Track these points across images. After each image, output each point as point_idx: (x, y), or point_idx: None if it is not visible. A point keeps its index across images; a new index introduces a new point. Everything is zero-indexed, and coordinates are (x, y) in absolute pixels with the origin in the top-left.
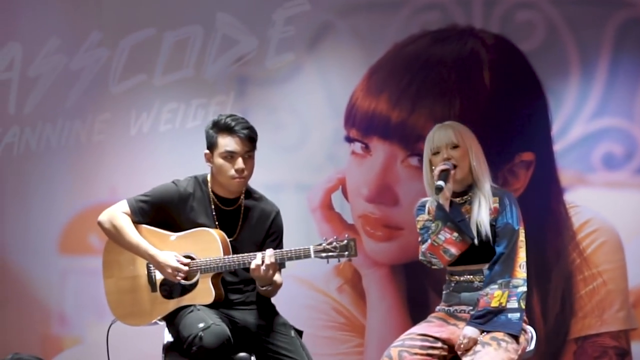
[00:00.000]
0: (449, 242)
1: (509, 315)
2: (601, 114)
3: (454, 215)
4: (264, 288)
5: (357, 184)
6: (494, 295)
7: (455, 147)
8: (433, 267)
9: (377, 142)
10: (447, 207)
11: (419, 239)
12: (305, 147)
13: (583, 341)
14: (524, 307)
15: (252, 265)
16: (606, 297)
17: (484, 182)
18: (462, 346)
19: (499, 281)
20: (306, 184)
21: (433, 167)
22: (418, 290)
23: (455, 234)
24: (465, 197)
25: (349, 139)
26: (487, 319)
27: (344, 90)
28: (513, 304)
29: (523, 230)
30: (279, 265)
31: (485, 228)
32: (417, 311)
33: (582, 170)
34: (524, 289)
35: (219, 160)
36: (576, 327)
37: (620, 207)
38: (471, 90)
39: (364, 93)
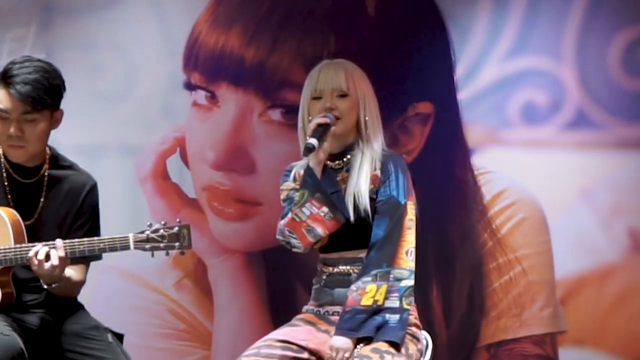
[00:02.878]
0: (315, 218)
1: (387, 316)
2: (520, 51)
3: (327, 184)
4: (49, 286)
5: (201, 145)
6: (367, 290)
7: (344, 95)
8: (293, 249)
9: (227, 90)
10: (318, 173)
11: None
12: (132, 97)
13: (497, 349)
14: (407, 307)
15: (31, 253)
16: (527, 290)
17: (373, 142)
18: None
19: (375, 272)
20: (133, 145)
21: (310, 117)
22: (282, 285)
23: (325, 209)
24: (343, 160)
25: (190, 86)
26: (357, 322)
27: (182, 20)
28: (393, 303)
29: (413, 206)
30: (91, 257)
31: (365, 201)
32: (281, 313)
33: (495, 126)
34: (410, 282)
35: None
36: (488, 331)
37: (544, 173)
38: (351, 21)
39: (210, 25)
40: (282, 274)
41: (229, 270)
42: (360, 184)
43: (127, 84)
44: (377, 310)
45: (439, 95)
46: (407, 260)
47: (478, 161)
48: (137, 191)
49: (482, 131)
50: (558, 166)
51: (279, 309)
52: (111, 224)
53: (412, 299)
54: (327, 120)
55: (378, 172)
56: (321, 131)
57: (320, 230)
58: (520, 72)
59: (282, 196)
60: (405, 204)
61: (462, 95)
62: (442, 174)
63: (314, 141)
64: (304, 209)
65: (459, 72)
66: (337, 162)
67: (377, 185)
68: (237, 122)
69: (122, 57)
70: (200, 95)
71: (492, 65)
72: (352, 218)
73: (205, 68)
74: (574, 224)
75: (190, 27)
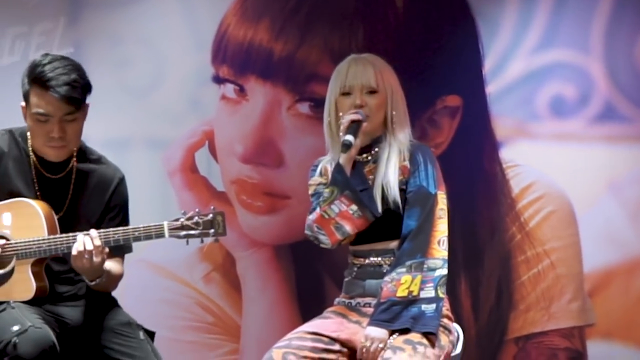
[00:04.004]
0: (343, 215)
1: (423, 307)
2: (548, 44)
3: (356, 181)
4: (93, 282)
5: (229, 138)
6: (402, 282)
7: (373, 92)
8: (321, 244)
9: (256, 83)
10: (348, 170)
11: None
12: (160, 90)
13: (525, 342)
14: (442, 296)
15: (74, 252)
16: (555, 283)
17: (399, 134)
18: (364, 351)
19: (409, 262)
20: (162, 139)
21: (341, 114)
22: (310, 278)
23: (354, 207)
24: (371, 153)
25: (218, 79)
26: (393, 313)
27: (211, 14)
28: (428, 293)
29: (444, 196)
30: (124, 249)
31: (394, 192)
32: (309, 306)
33: (523, 119)
34: (444, 272)
35: (31, 122)
36: (516, 324)
37: (572, 166)
38: (379, 15)
39: (238, 18)
40: (310, 266)
41: (258, 263)
42: (388, 175)
43: (155, 77)
44: (412, 301)
45: (467, 89)
46: (440, 249)
47: (506, 154)
48: (165, 185)
49: (510, 124)
50: (586, 159)
51: (307, 302)
52: (140, 217)
53: (445, 288)
54: (359, 117)
55: (407, 163)
56: (355, 127)
57: (348, 228)
58: (549, 65)
59: (310, 191)
60: (436, 193)
61: (491, 89)
62: (471, 167)
63: (351, 138)
64: (333, 206)
65: (487, 65)
66: (364, 155)
67: (407, 176)
68: (265, 116)
69: (151, 51)
70: (229, 89)
71: (520, 59)
72: (380, 210)
73: (234, 61)
74: (602, 217)
75: (218, 20)
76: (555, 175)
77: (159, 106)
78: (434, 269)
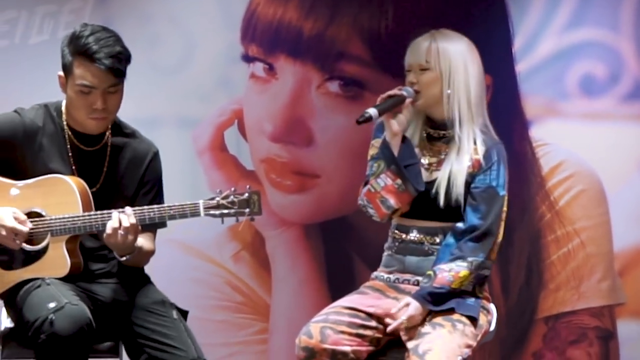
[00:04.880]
0: (388, 190)
1: (464, 297)
2: (578, 23)
3: (403, 156)
4: (124, 258)
5: (259, 117)
6: (460, 275)
7: (424, 69)
8: (372, 217)
9: (285, 62)
10: (395, 146)
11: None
12: (190, 69)
13: (555, 321)
14: (481, 296)
15: (108, 229)
16: (585, 263)
17: (465, 122)
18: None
19: (471, 259)
20: (191, 117)
21: None
22: (340, 257)
23: (399, 181)
24: (446, 132)
25: (248, 58)
26: (441, 298)
27: None
28: (469, 288)
29: (506, 198)
30: (158, 224)
31: (458, 188)
32: (338, 285)
33: (553, 98)
34: (488, 273)
35: (73, 93)
36: (546, 303)
37: (602, 145)
38: None
39: None
40: (340, 245)
41: (287, 242)
42: (457, 167)
43: (184, 56)
44: (459, 293)
45: (497, 68)
46: (495, 252)
47: (536, 133)
48: (194, 163)
49: (540, 103)
50: (616, 138)
51: (336, 281)
52: (170, 195)
53: (483, 288)
54: (400, 92)
55: (480, 157)
56: (390, 102)
57: (393, 202)
58: (578, 44)
59: (371, 152)
60: (504, 196)
61: (520, 67)
62: None
63: (372, 111)
64: (379, 180)
65: (517, 44)
66: (435, 131)
67: (477, 171)
68: (294, 94)
69: (180, 29)
70: (258, 67)
71: (550, 37)
72: (442, 202)
73: (263, 40)
74: (632, 195)
75: None
76: (585, 154)
77: (189, 85)
78: (484, 268)
